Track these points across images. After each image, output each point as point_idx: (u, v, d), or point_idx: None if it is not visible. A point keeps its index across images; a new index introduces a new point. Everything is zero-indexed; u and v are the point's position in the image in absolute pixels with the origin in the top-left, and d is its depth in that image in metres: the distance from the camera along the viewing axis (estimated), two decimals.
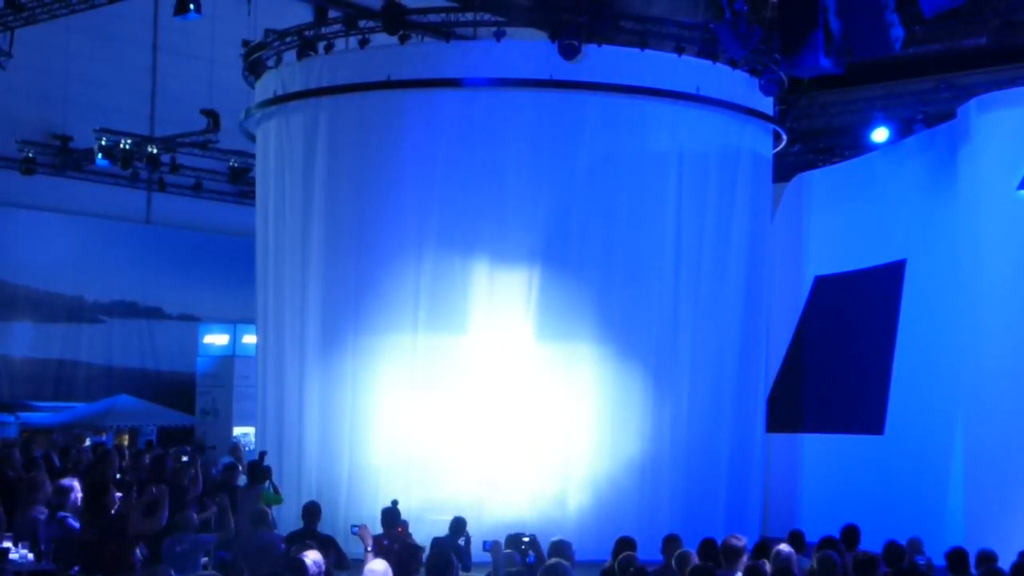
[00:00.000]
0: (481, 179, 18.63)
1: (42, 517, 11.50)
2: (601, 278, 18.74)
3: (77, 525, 10.88)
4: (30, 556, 11.11)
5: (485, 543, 11.17)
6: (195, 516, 11.68)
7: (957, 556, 10.58)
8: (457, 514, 13.31)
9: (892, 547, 11.02)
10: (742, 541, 10.39)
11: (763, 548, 11.09)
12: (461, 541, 12.72)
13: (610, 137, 18.86)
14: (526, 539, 10.83)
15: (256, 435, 21.11)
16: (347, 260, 18.89)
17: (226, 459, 19.29)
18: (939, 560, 11.05)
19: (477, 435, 18.32)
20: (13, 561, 10.73)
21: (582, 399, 18.68)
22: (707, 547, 10.78)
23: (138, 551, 10.15)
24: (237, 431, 26.19)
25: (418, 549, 9.69)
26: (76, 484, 12.21)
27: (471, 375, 18.46)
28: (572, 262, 18.64)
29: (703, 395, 19.28)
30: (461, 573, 10.18)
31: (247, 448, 22.33)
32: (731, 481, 19.52)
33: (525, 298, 18.48)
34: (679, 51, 18.78)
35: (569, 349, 18.63)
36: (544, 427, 18.45)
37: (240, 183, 27.90)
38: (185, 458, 16.61)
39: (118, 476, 15.44)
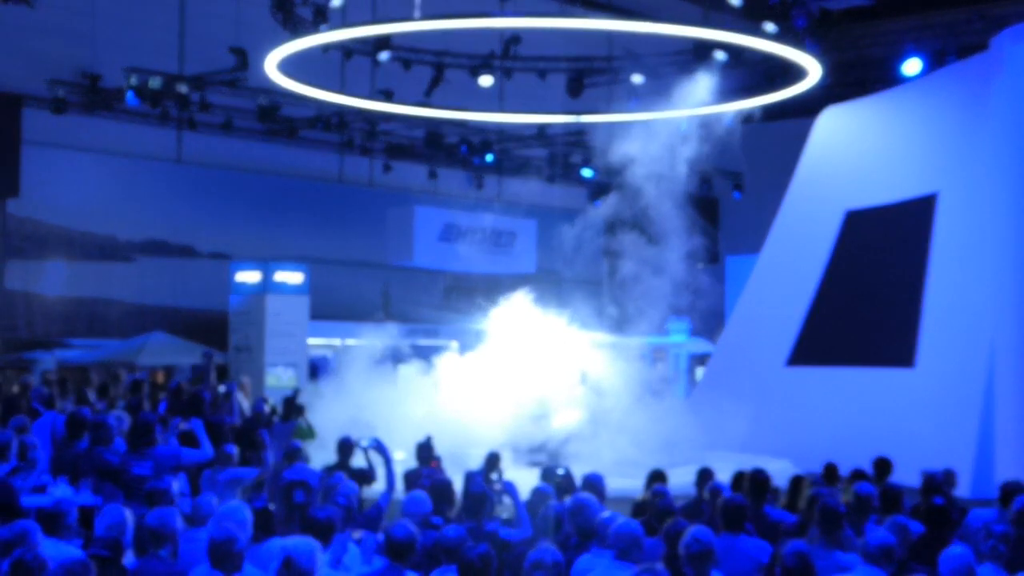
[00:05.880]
0: None
1: (82, 451, 11.65)
2: None
3: (116, 460, 11.02)
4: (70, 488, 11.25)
5: (505, 483, 10.36)
6: (235, 450, 11.85)
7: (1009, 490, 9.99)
8: (491, 448, 13.43)
9: (930, 478, 10.99)
10: (769, 475, 10.46)
11: (797, 483, 11.15)
12: (494, 476, 12.80)
13: None
14: (560, 471, 10.94)
15: None
16: None
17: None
18: (964, 492, 11.01)
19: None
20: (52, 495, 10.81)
21: None
22: (738, 480, 10.87)
23: (177, 483, 10.30)
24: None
25: (450, 484, 9.78)
26: (119, 416, 12.36)
27: None
28: None
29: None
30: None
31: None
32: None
33: None
34: None
35: None
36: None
37: (269, 121, 27.82)
38: (222, 388, 16.72)
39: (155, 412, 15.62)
